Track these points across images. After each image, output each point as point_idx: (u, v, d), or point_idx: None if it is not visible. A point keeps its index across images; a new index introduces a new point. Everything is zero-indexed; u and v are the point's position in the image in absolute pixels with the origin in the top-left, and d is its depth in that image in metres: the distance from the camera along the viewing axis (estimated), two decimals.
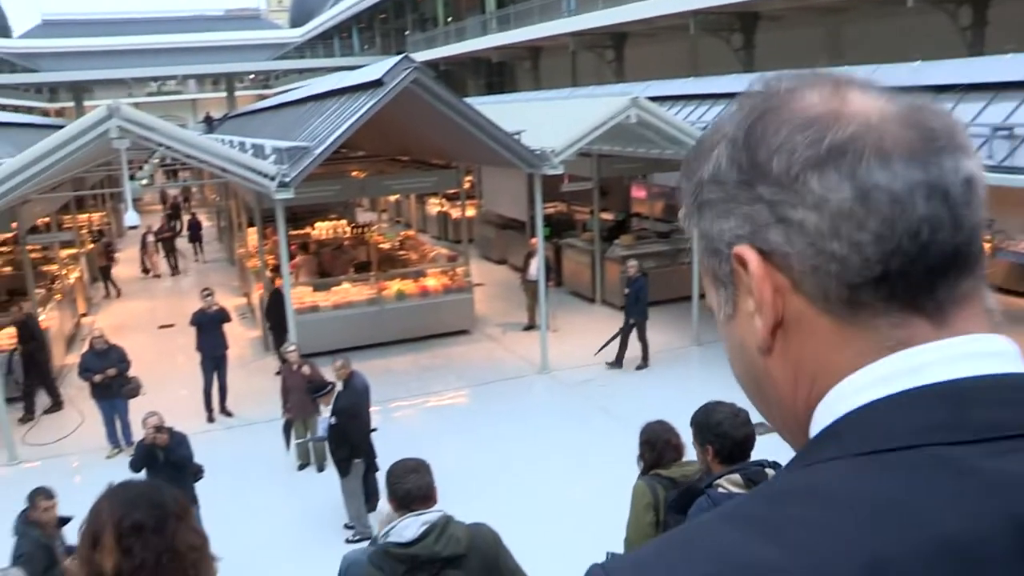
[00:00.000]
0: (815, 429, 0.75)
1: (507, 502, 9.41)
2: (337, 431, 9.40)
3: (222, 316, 13.51)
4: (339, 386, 9.91)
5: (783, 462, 0.84)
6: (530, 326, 16.81)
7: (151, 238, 25.84)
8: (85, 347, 12.87)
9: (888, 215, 0.70)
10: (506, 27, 37.03)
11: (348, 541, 9.23)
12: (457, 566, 4.06)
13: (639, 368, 14.39)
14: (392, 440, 11.32)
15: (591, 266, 18.63)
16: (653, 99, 15.94)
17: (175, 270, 26.01)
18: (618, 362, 14.44)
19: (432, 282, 16.92)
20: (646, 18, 26.96)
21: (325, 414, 9.67)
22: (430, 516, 4.16)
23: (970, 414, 0.67)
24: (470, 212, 20.91)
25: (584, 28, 30.63)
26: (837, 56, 23.30)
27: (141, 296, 23.18)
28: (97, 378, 11.89)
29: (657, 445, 5.12)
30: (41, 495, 6.98)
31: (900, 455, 0.67)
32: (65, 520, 6.84)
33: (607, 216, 20.73)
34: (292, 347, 11.37)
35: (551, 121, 16.49)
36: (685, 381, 13.51)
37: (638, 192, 24.16)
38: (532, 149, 13.99)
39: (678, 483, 4.74)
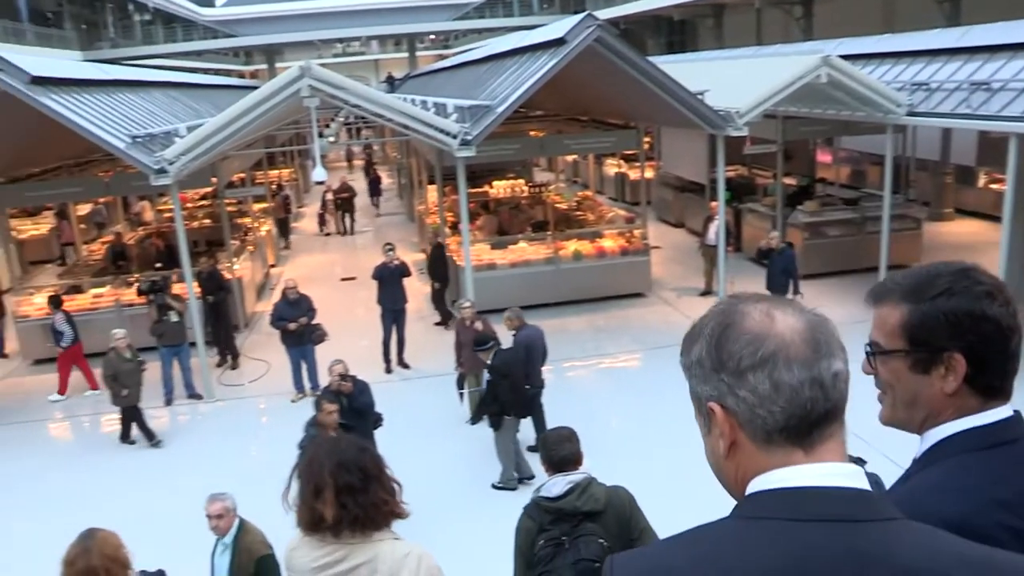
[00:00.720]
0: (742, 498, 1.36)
1: (667, 465, 9.29)
2: (489, 387, 9.66)
3: (402, 270, 13.87)
4: (507, 340, 10.15)
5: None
6: (707, 291, 16.49)
7: (329, 196, 26.78)
8: (277, 297, 13.50)
9: (789, 397, 1.30)
10: None
11: (493, 486, 9.74)
12: (594, 520, 4.74)
13: None
14: (564, 399, 11.41)
15: None
16: (844, 58, 15.14)
17: (349, 230, 26.61)
18: None
19: (609, 243, 16.82)
20: None
21: None
22: (575, 477, 4.89)
23: (803, 505, 1.27)
24: (648, 173, 20.60)
25: None
26: None
27: (325, 249, 24.23)
28: (292, 326, 12.42)
29: None
30: (325, 400, 7.95)
31: (762, 522, 1.28)
32: (347, 427, 7.75)
33: (790, 180, 19.98)
34: (467, 303, 11.57)
35: (735, 81, 15.97)
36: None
37: (824, 156, 23.19)
38: (716, 110, 13.59)
39: None
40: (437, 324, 15.81)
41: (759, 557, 1.22)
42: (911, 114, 14.55)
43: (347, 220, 26.80)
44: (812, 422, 1.30)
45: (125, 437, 11.78)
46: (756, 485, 1.32)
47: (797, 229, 17.27)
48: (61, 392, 13.73)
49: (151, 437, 11.72)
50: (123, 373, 11.36)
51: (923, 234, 17.41)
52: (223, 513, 5.96)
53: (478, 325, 10.94)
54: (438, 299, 15.83)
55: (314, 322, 12.71)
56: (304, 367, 12.83)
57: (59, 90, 12.61)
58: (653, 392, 12.15)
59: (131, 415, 11.68)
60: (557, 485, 4.84)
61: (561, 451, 5.08)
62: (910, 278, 1.68)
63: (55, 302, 13.97)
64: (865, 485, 1.31)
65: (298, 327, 12.45)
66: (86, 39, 49.86)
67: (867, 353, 1.72)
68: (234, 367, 14.62)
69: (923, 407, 1.66)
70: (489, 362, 9.67)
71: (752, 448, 1.34)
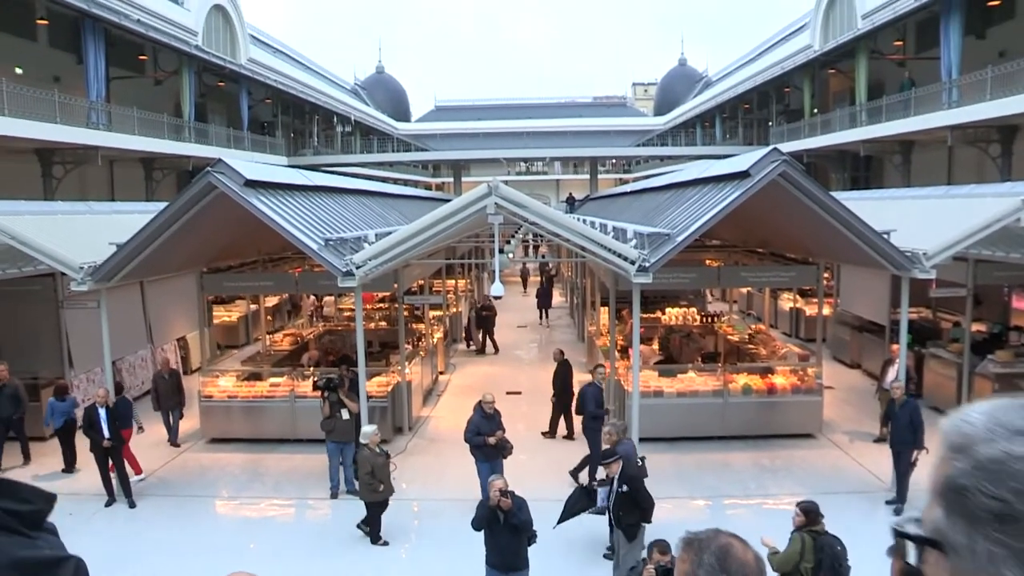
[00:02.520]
0: None
1: None
2: (628, 498, 9.66)
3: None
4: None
5: None
6: (881, 438, 15.64)
7: (472, 314, 26.74)
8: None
9: None
10: (877, 119, 35.38)
11: None
12: None
13: (896, 511, 12.55)
14: None
15: (957, 380, 17.03)
16: None
17: (486, 348, 25.98)
18: (901, 500, 12.80)
19: (780, 380, 16.28)
20: None
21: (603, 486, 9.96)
22: None
23: None
24: (825, 310, 20.00)
25: (968, 121, 28.47)
26: None
27: (493, 361, 24.52)
28: (492, 440, 12.35)
29: (811, 514, 8.53)
30: (656, 548, 7.78)
31: None
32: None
33: (980, 327, 18.92)
34: (607, 427, 11.47)
35: (923, 221, 15.49)
36: None
37: (1020, 302, 21.88)
38: (902, 250, 13.16)
39: (819, 534, 8.42)
40: (565, 438, 16.19)
41: None
42: None
43: (486, 338, 26.16)
44: None
45: (375, 538, 11.81)
46: None
47: (987, 379, 16.28)
48: (137, 472, 14.38)
49: (376, 537, 11.82)
50: (378, 467, 11.51)
51: None
52: None
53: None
54: (557, 412, 16.28)
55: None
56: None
57: (266, 192, 13.64)
58: None
59: (378, 510, 11.81)
60: None
61: None
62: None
63: (118, 387, 14.89)
64: None
65: (497, 440, 12.40)
66: (292, 146, 53.84)
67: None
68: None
69: None
70: (616, 475, 9.78)
71: None
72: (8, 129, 24.15)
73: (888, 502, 12.88)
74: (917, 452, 12.52)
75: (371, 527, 11.78)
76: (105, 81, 30.87)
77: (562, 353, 16.98)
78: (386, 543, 11.72)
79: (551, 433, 16.31)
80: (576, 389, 15.32)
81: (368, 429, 11.91)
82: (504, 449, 12.48)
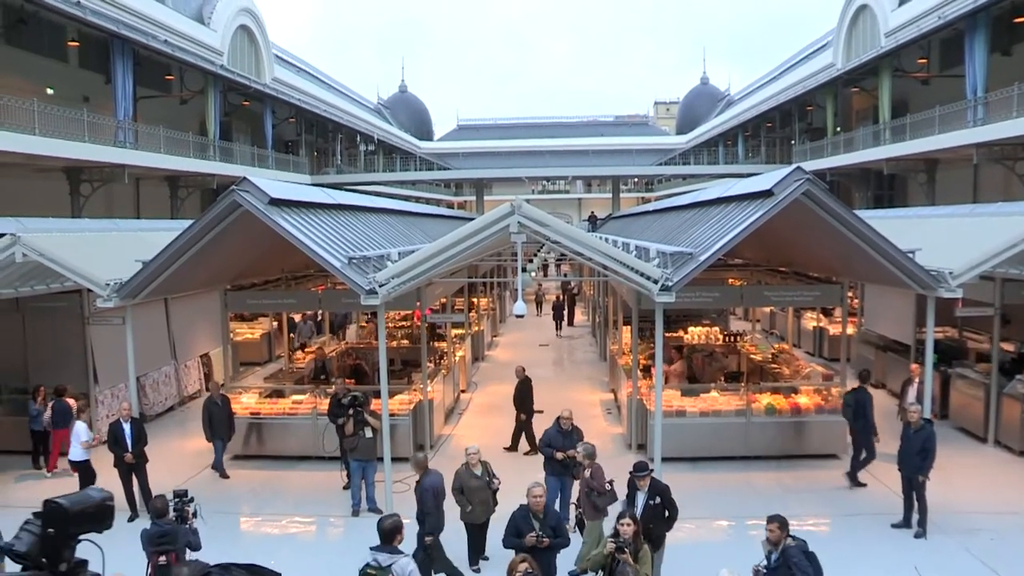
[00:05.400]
0: None
1: None
2: (660, 509, 9.85)
3: None
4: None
5: None
6: None
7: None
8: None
9: None
10: (901, 137, 35.19)
11: None
12: None
13: (917, 536, 12.21)
14: (744, 557, 10.86)
15: (984, 401, 16.83)
16: None
17: None
18: (922, 528, 12.34)
19: (804, 400, 16.17)
20: None
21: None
22: None
23: None
24: (849, 329, 19.82)
25: (994, 139, 28.23)
26: None
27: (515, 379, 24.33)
28: (559, 455, 12.26)
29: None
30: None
31: None
32: None
33: (1008, 347, 18.71)
34: (579, 449, 11.33)
35: (948, 240, 15.36)
36: None
37: None
38: (928, 269, 13.05)
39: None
40: (527, 454, 16.18)
41: None
42: None
43: None
44: None
45: (471, 560, 11.36)
46: None
47: (1015, 400, 16.08)
48: (49, 469, 15.75)
49: (472, 560, 11.35)
50: (469, 489, 11.05)
51: None
52: None
53: (587, 472, 10.90)
54: (521, 430, 16.67)
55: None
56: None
57: (290, 211, 13.71)
58: (838, 565, 11.36)
59: (472, 532, 11.30)
60: None
61: None
62: None
63: (58, 391, 15.78)
64: None
65: (565, 458, 12.22)
66: (316, 165, 54.24)
67: None
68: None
69: None
70: (646, 489, 9.87)
71: None
72: (40, 148, 24.53)
73: (894, 525, 12.57)
74: (922, 478, 12.25)
75: (469, 549, 11.39)
76: (132, 100, 31.32)
77: (524, 370, 17.37)
78: (477, 569, 11.33)
79: (513, 447, 16.66)
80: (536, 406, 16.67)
81: (470, 448, 11.53)
82: (575, 468, 12.10)
